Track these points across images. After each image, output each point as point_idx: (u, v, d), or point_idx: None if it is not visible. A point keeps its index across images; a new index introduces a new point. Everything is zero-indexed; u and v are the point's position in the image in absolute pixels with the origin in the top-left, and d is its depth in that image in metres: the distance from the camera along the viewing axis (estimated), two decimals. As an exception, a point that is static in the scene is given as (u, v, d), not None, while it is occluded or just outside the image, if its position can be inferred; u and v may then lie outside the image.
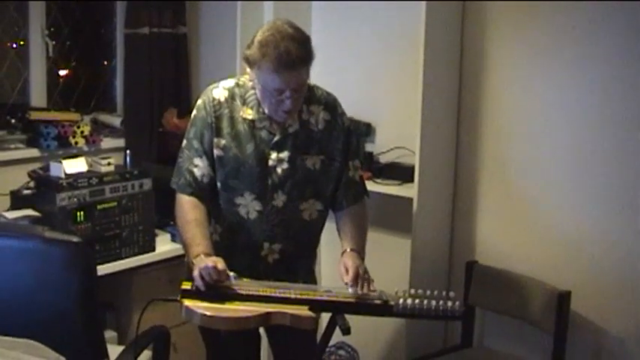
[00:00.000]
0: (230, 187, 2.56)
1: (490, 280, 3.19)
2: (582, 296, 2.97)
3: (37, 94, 3.92)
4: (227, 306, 2.27)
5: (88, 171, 3.32)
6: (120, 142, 4.06)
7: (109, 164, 3.36)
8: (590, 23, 2.92)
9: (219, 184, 2.57)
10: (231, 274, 2.34)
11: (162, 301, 2.36)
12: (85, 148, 3.84)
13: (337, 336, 2.39)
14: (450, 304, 2.35)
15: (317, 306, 2.32)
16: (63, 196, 3.15)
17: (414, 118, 3.10)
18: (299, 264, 2.68)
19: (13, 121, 3.73)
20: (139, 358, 2.56)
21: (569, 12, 2.97)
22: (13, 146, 3.69)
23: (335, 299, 2.37)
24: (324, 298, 2.37)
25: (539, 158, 3.11)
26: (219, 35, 4.17)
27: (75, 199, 3.20)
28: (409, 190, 3.20)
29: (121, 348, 2.69)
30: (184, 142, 2.60)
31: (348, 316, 2.32)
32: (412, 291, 2.38)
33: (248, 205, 2.56)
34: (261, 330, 2.81)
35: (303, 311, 2.28)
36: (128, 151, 3.57)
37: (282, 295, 2.33)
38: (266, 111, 2.49)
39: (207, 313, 2.22)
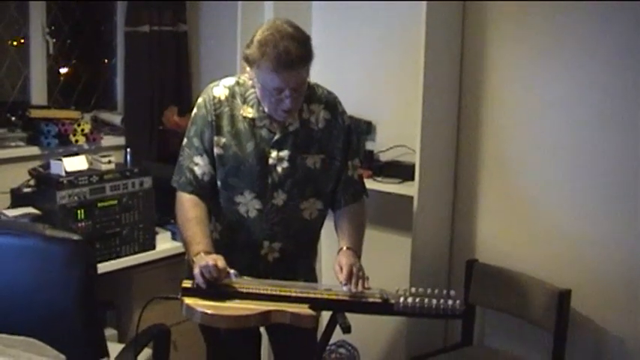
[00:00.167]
0: (230, 185, 2.56)
1: (490, 278, 3.19)
2: (582, 295, 2.97)
3: (38, 92, 3.92)
4: (227, 304, 2.27)
5: (89, 169, 3.33)
6: (120, 140, 4.06)
7: (109, 162, 3.36)
8: (591, 23, 2.92)
9: (219, 183, 2.57)
10: (232, 271, 2.34)
11: (163, 300, 2.36)
12: (86, 146, 3.85)
13: (338, 334, 2.39)
14: (450, 302, 2.34)
15: (317, 304, 2.32)
16: (63, 194, 3.16)
17: (414, 117, 3.10)
18: (299, 262, 2.68)
19: (13, 119, 3.73)
20: (139, 357, 2.56)
21: (569, 12, 2.97)
22: (13, 144, 3.69)
23: (335, 297, 2.37)
24: (325, 296, 2.37)
25: (540, 157, 3.11)
26: (220, 33, 4.17)
27: (75, 197, 3.20)
28: (409, 189, 3.20)
29: (121, 346, 2.69)
30: (185, 140, 2.60)
31: (348, 315, 2.32)
32: (412, 289, 2.38)
33: (248, 204, 2.56)
34: (262, 328, 2.81)
35: (304, 310, 2.27)
36: (128, 149, 3.57)
37: (283, 293, 2.33)
38: (266, 110, 2.49)
39: (208, 312, 2.22)
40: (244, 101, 2.54)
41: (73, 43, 4.14)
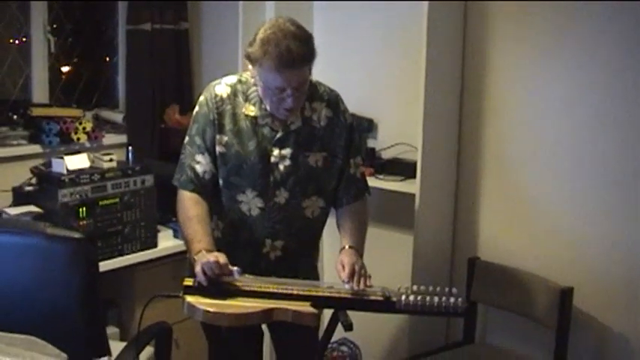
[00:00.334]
0: (232, 184, 2.56)
1: (492, 276, 3.19)
2: (585, 293, 2.97)
3: (39, 91, 3.92)
4: (229, 302, 2.26)
5: (90, 167, 3.32)
6: (122, 139, 4.06)
7: (111, 160, 3.36)
8: (592, 23, 2.92)
9: (221, 181, 2.57)
10: (236, 268, 2.33)
11: (165, 298, 2.36)
12: (87, 145, 3.85)
13: (339, 332, 2.39)
14: (452, 300, 2.34)
15: (319, 302, 2.32)
16: (65, 192, 3.16)
17: (416, 114, 3.10)
18: (301, 261, 2.68)
19: (15, 117, 3.74)
20: (141, 355, 2.56)
21: (569, 12, 2.97)
22: (15, 142, 3.69)
23: (337, 295, 2.37)
24: (326, 294, 2.37)
25: (542, 155, 3.11)
26: (221, 31, 4.17)
27: (77, 196, 3.20)
28: (411, 186, 3.19)
29: (123, 344, 2.69)
30: (186, 138, 2.60)
31: (350, 313, 2.32)
32: (414, 287, 2.38)
33: (250, 202, 2.56)
34: (264, 326, 2.81)
35: (305, 307, 2.27)
36: (130, 148, 3.57)
37: (284, 291, 2.33)
38: (268, 108, 2.49)
39: (210, 310, 2.22)
40: (246, 99, 2.54)
41: (75, 41, 4.15)
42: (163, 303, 2.40)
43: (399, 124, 3.44)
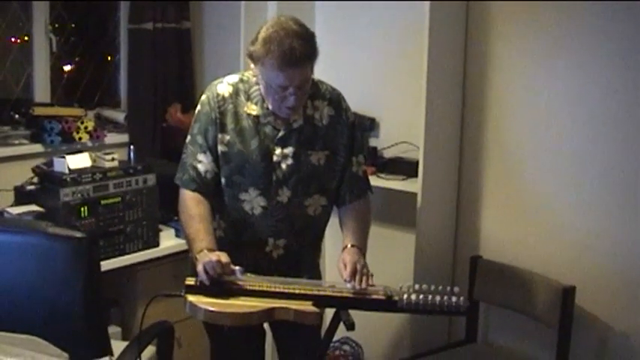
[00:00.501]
0: (234, 182, 2.56)
1: (494, 275, 3.18)
2: (587, 291, 2.97)
3: (41, 90, 3.92)
4: (231, 301, 2.26)
5: (92, 166, 3.32)
6: (124, 138, 4.06)
7: (112, 159, 3.36)
8: (594, 22, 2.92)
9: (223, 180, 2.57)
10: (238, 267, 2.33)
11: (166, 297, 2.36)
12: (89, 144, 3.85)
13: (341, 331, 2.39)
14: (454, 299, 2.34)
15: (321, 301, 2.32)
16: (67, 191, 3.16)
17: (418, 113, 3.10)
18: (303, 259, 2.67)
19: (16, 116, 3.74)
20: (143, 354, 2.55)
21: (571, 11, 2.96)
22: (16, 142, 3.69)
23: (339, 295, 2.37)
24: (328, 293, 2.37)
25: (544, 154, 3.11)
26: (223, 30, 4.17)
27: (79, 195, 3.20)
28: (413, 185, 3.19)
29: (125, 343, 2.69)
30: (188, 137, 2.60)
31: (352, 312, 2.32)
32: (416, 286, 2.37)
33: (252, 201, 2.55)
34: (266, 325, 2.81)
35: (307, 307, 2.27)
36: (132, 147, 3.57)
37: (286, 290, 2.33)
38: (270, 107, 2.48)
39: (211, 309, 2.22)
40: (248, 98, 2.54)
41: (77, 40, 4.15)
42: (165, 302, 2.40)
43: (401, 123, 3.44)
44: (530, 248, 3.17)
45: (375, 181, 3.20)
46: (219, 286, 2.29)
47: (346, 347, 3.62)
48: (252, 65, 2.44)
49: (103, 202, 3.28)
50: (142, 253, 3.45)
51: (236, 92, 2.55)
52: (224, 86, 2.56)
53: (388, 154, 3.48)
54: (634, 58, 2.83)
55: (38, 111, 3.71)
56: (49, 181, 3.24)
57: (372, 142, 3.54)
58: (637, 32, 2.82)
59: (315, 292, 2.35)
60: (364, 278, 2.39)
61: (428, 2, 3.00)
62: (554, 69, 3.04)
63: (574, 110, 3.01)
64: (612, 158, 2.92)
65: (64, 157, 3.25)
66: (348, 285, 2.38)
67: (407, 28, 3.34)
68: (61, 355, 2.09)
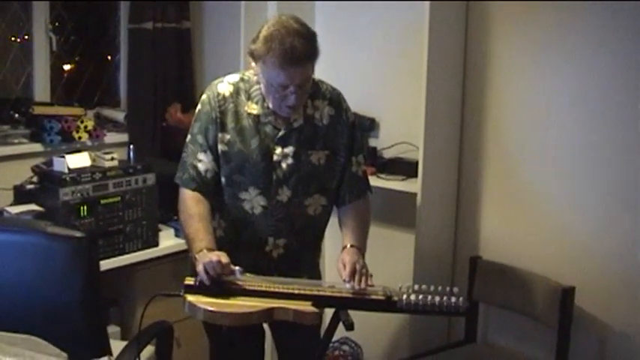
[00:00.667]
0: (235, 182, 2.55)
1: (494, 275, 3.18)
2: (586, 292, 2.97)
3: (41, 89, 3.92)
4: (230, 301, 2.26)
5: (92, 166, 3.32)
6: (123, 137, 4.06)
7: (112, 159, 3.35)
8: (594, 21, 2.92)
9: (223, 180, 2.57)
10: (237, 268, 2.33)
11: (166, 297, 2.36)
12: (89, 143, 3.85)
13: (341, 331, 2.39)
14: (453, 299, 2.34)
15: (320, 302, 2.31)
16: (66, 191, 3.15)
17: (418, 114, 3.10)
18: (303, 259, 2.67)
19: (16, 115, 3.74)
20: (142, 354, 2.55)
21: (572, 11, 2.96)
22: (16, 141, 3.69)
23: (338, 295, 2.37)
24: (328, 293, 2.37)
25: (544, 154, 3.11)
26: (223, 30, 4.17)
27: (78, 194, 3.19)
28: (413, 186, 3.19)
29: (124, 343, 2.69)
30: (189, 137, 2.60)
31: (351, 312, 2.32)
32: (416, 286, 2.37)
33: (252, 200, 2.55)
34: (265, 325, 2.81)
35: (307, 307, 2.27)
36: (132, 146, 3.56)
37: (286, 290, 2.33)
38: (270, 106, 2.48)
39: (210, 309, 2.22)
40: (249, 98, 2.54)
41: (77, 39, 4.14)
42: (164, 302, 2.39)
43: (401, 124, 3.44)
44: (529, 249, 3.17)
45: (374, 181, 3.20)
46: (219, 286, 2.29)
47: (345, 347, 3.62)
48: (253, 64, 2.44)
49: (102, 201, 3.28)
50: (141, 252, 3.45)
51: (236, 91, 2.55)
52: (224, 85, 2.56)
53: (388, 154, 3.48)
54: (634, 58, 2.83)
55: (38, 110, 3.71)
56: (48, 180, 3.23)
57: (372, 142, 3.54)
58: (637, 32, 2.81)
59: (315, 292, 2.34)
60: (363, 278, 2.38)
61: (428, 2, 3.00)
62: (554, 69, 3.04)
63: (574, 110, 3.01)
64: (612, 158, 2.92)
65: (63, 157, 3.25)
66: (348, 285, 2.38)
67: (407, 28, 3.34)
68: (60, 354, 2.09)
